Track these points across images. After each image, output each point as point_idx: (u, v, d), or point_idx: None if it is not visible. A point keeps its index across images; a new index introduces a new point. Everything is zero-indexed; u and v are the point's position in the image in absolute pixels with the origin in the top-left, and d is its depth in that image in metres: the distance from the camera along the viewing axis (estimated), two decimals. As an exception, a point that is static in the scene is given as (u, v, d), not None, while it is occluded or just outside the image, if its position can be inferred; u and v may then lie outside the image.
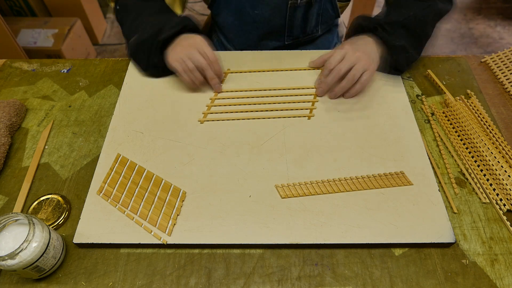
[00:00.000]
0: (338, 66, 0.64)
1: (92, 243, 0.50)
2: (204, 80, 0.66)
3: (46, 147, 0.62)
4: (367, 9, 1.78)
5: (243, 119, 0.64)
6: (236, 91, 0.68)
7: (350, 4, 1.74)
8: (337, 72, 0.63)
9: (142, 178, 0.56)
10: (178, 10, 0.77)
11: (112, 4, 0.75)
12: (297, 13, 0.77)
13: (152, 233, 0.50)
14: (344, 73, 0.63)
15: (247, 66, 0.72)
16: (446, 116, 0.66)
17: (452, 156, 0.61)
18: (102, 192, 0.55)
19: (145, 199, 0.54)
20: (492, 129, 0.62)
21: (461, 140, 0.62)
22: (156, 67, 0.68)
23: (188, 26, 0.67)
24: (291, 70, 0.71)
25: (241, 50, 0.77)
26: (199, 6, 2.23)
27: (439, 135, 0.63)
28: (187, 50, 0.63)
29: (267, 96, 0.67)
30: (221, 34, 0.88)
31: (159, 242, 0.50)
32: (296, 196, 0.54)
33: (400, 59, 0.67)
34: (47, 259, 0.46)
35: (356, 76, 0.63)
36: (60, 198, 0.55)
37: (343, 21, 0.90)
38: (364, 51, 0.65)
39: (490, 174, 0.57)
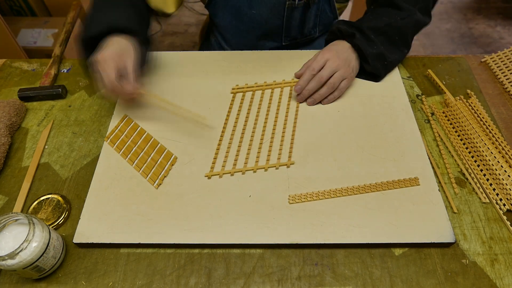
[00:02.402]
0: (320, 73, 0.64)
1: (92, 243, 0.50)
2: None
3: (46, 147, 0.62)
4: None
5: (243, 120, 0.64)
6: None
7: (350, 4, 1.75)
8: (318, 79, 0.64)
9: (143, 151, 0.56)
10: (172, 8, 0.73)
11: None
12: (294, 14, 0.77)
13: (147, 179, 0.56)
14: (325, 80, 0.64)
15: (246, 66, 0.72)
16: (446, 116, 0.66)
17: (452, 156, 0.61)
18: (109, 139, 0.60)
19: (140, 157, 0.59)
20: (492, 129, 0.62)
21: (461, 140, 0.62)
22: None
23: (118, 28, 0.59)
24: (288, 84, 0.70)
25: (239, 50, 0.77)
26: (199, 6, 2.23)
27: (439, 135, 0.63)
28: (98, 65, 0.56)
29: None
30: (218, 34, 0.88)
31: (154, 186, 0.54)
32: (298, 202, 0.54)
33: (378, 66, 0.67)
34: (47, 259, 0.46)
35: (336, 84, 0.64)
36: (60, 198, 0.55)
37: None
38: (344, 59, 0.65)
39: (490, 174, 0.57)
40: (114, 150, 0.60)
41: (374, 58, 0.66)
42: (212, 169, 0.57)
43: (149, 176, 0.56)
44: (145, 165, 0.58)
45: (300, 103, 0.66)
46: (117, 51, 0.57)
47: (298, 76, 0.70)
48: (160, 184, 0.56)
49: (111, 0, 0.64)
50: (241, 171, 0.57)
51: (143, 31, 0.65)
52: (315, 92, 0.65)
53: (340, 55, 0.65)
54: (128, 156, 0.59)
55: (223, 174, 0.56)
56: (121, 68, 0.57)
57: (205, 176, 0.56)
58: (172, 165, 0.58)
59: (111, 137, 0.61)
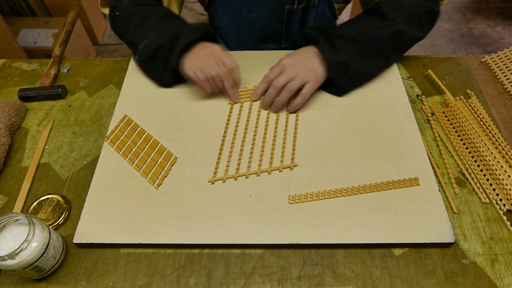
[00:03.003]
0: (276, 80, 0.62)
1: (92, 243, 0.50)
2: (221, 89, 0.65)
3: (46, 147, 0.62)
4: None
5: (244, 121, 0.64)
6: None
7: (350, 5, 1.75)
8: (274, 86, 0.62)
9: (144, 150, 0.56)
10: (175, 10, 0.76)
11: (106, 11, 0.72)
12: (294, 17, 0.77)
13: (147, 179, 0.56)
14: (281, 86, 0.62)
15: (246, 66, 0.72)
16: (446, 116, 0.66)
17: (452, 156, 0.61)
18: (109, 139, 0.60)
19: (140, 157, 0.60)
20: (492, 129, 0.62)
21: (461, 140, 0.62)
22: (172, 72, 0.64)
23: (207, 33, 0.65)
24: None
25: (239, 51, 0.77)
26: (199, 6, 2.23)
27: (439, 135, 0.63)
28: (205, 60, 0.62)
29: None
30: (218, 36, 0.88)
31: (154, 187, 0.55)
32: (298, 202, 0.54)
33: (340, 76, 0.63)
34: (47, 259, 0.46)
35: (293, 87, 0.61)
36: (60, 198, 0.55)
37: (344, 20, 0.90)
38: (303, 64, 0.62)
39: (490, 174, 0.57)
40: (114, 150, 0.60)
41: (335, 66, 0.62)
42: (215, 174, 0.57)
43: (149, 176, 0.56)
44: (145, 165, 0.58)
45: (264, 110, 0.65)
46: (219, 49, 0.64)
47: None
48: (160, 184, 0.56)
49: (163, 12, 0.68)
50: (245, 175, 0.56)
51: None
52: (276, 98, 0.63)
53: (300, 59, 0.63)
54: (128, 156, 0.59)
55: (227, 179, 0.56)
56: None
57: (209, 182, 0.56)
58: (172, 165, 0.58)
59: (111, 137, 0.61)
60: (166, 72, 0.65)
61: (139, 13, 0.67)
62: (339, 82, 0.64)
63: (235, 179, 0.56)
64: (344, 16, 1.85)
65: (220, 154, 0.59)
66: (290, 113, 0.64)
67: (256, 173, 0.57)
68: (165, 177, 0.56)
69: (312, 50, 0.64)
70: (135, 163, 0.58)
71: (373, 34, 0.64)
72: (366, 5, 0.78)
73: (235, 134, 0.62)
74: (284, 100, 0.63)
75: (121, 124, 0.63)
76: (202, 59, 0.62)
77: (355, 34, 0.63)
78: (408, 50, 0.70)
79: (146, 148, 0.60)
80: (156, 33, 0.64)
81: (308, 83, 0.62)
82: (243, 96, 0.67)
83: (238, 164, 0.58)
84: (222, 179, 0.56)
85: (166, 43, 0.63)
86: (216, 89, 0.64)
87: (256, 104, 0.66)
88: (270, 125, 0.63)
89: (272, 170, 0.57)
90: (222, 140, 0.61)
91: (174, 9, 0.76)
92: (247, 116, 0.65)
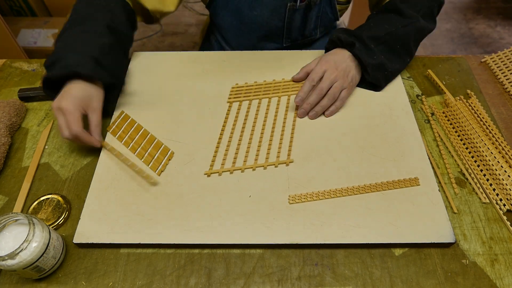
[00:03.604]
0: (319, 85, 0.63)
1: (92, 243, 0.50)
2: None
3: (46, 147, 0.62)
4: (367, 11, 1.78)
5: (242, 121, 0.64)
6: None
7: (350, 5, 1.74)
8: (319, 91, 0.63)
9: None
10: (171, 6, 0.72)
11: None
12: (296, 15, 0.77)
13: (150, 165, 0.57)
14: (325, 92, 0.63)
15: (247, 66, 0.72)
16: (446, 116, 0.66)
17: (452, 156, 0.61)
18: (112, 129, 0.62)
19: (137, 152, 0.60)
20: (492, 129, 0.62)
21: (461, 140, 0.62)
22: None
23: (79, 74, 0.56)
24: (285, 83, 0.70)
25: (239, 51, 0.77)
26: (199, 6, 2.23)
27: (439, 135, 0.63)
28: (57, 113, 0.55)
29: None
30: (219, 35, 0.88)
31: (152, 181, 0.55)
32: (298, 202, 0.54)
33: (378, 77, 0.65)
34: (47, 259, 0.46)
35: (336, 94, 0.63)
36: (60, 198, 0.55)
37: (343, 21, 0.90)
38: (342, 69, 0.64)
39: (490, 174, 0.57)
40: (113, 146, 0.60)
41: (374, 68, 0.64)
42: (212, 167, 0.57)
43: (151, 163, 0.57)
44: (147, 153, 0.59)
45: (301, 118, 0.64)
46: (82, 100, 0.55)
47: (296, 80, 0.69)
48: (162, 170, 0.57)
49: (88, 26, 0.60)
50: (240, 169, 0.57)
51: (114, 73, 0.61)
52: (316, 104, 0.64)
53: (338, 65, 0.64)
54: (131, 145, 0.60)
55: (223, 172, 0.57)
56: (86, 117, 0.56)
57: (205, 174, 0.56)
58: (169, 160, 0.58)
59: (113, 127, 0.62)
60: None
61: (75, 16, 0.61)
62: (377, 82, 0.66)
63: (231, 173, 0.57)
64: (344, 17, 1.84)
65: (217, 148, 0.60)
66: (327, 117, 0.64)
67: (252, 168, 0.57)
68: (162, 171, 0.57)
69: (347, 54, 0.66)
70: (137, 151, 0.59)
71: (400, 33, 0.66)
72: (376, 6, 0.78)
73: (233, 130, 0.62)
74: (326, 106, 0.63)
75: (118, 120, 0.63)
76: (56, 110, 0.55)
77: (383, 35, 0.65)
78: None
79: (143, 143, 0.60)
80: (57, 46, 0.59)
81: (346, 89, 0.64)
82: (242, 93, 0.67)
83: (235, 159, 0.58)
84: (218, 172, 0.56)
85: (48, 61, 0.57)
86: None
87: (255, 103, 0.66)
88: (268, 123, 0.63)
89: (268, 165, 0.57)
90: (220, 135, 0.61)
91: (169, 4, 0.71)
92: (245, 115, 0.65)
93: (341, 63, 0.65)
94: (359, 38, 0.65)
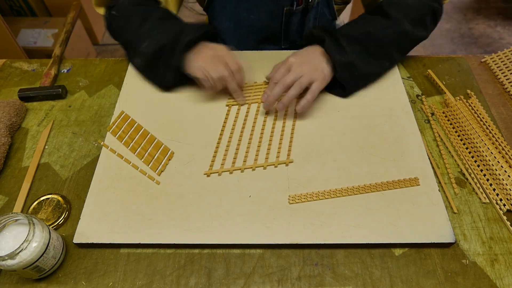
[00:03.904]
0: (284, 78, 0.61)
1: (92, 243, 0.50)
2: (225, 89, 0.64)
3: (46, 147, 0.62)
4: (367, 10, 1.78)
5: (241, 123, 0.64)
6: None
7: (350, 5, 1.75)
8: (282, 83, 0.60)
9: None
10: (173, 10, 0.74)
11: (101, 11, 0.70)
12: (293, 18, 0.76)
13: (147, 175, 0.56)
14: (289, 85, 0.61)
15: (246, 67, 0.72)
16: (446, 116, 0.66)
17: (452, 156, 0.61)
18: (112, 129, 0.62)
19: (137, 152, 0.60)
20: (492, 129, 0.62)
21: (461, 140, 0.62)
22: (175, 73, 0.63)
23: (209, 32, 0.65)
24: None
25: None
26: (199, 6, 2.23)
27: (439, 135, 0.63)
28: (210, 60, 0.62)
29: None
30: (218, 38, 0.88)
31: (154, 182, 0.55)
32: (298, 202, 0.54)
33: (345, 76, 0.63)
34: (47, 259, 0.46)
35: (303, 84, 0.60)
36: (60, 198, 0.55)
37: (343, 21, 0.90)
38: (310, 63, 0.62)
39: (490, 174, 0.57)
40: (114, 149, 0.60)
41: (342, 66, 0.62)
42: (211, 167, 0.57)
43: (151, 163, 0.57)
44: (147, 152, 0.59)
45: (267, 110, 0.64)
46: (224, 49, 0.64)
47: (269, 78, 0.67)
48: (162, 170, 0.57)
49: (163, 12, 0.67)
50: (240, 169, 0.57)
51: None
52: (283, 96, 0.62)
53: (306, 58, 0.63)
54: (131, 145, 0.60)
55: (222, 172, 0.57)
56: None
57: (204, 174, 0.56)
58: (169, 160, 0.58)
59: (113, 127, 0.62)
60: (169, 72, 0.64)
61: (138, 13, 0.66)
62: (345, 82, 0.64)
63: (231, 173, 0.57)
64: (344, 17, 1.85)
65: (217, 148, 0.60)
66: (299, 112, 0.63)
67: (251, 168, 0.57)
68: (162, 171, 0.57)
69: (318, 50, 0.64)
70: (137, 151, 0.59)
71: (378, 34, 0.64)
72: (368, 6, 0.78)
73: (232, 132, 0.62)
74: (294, 96, 0.61)
75: (118, 120, 0.63)
76: (206, 59, 0.62)
77: (360, 34, 0.63)
78: (411, 50, 0.70)
79: (143, 143, 0.60)
80: (158, 33, 0.63)
81: (316, 81, 0.61)
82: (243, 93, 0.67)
83: (235, 159, 0.58)
84: (218, 172, 0.56)
85: (168, 43, 0.62)
86: (216, 89, 0.64)
87: (255, 105, 0.66)
88: (267, 124, 0.63)
89: (267, 165, 0.57)
90: (219, 137, 0.61)
91: (172, 9, 0.74)
92: (245, 115, 0.65)
93: (310, 57, 0.63)
94: (331, 35, 0.63)
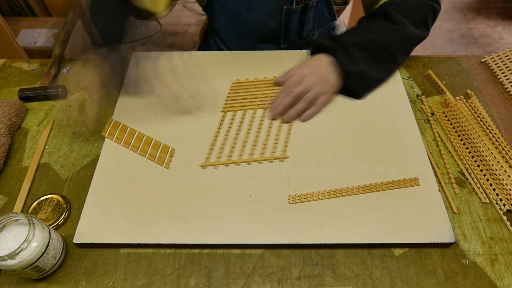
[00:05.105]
0: (295, 89, 0.62)
1: (92, 243, 0.50)
2: None
3: (46, 147, 0.62)
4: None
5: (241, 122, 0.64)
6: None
7: (350, 5, 1.74)
8: (293, 94, 0.62)
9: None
10: (161, 7, 0.70)
11: None
12: (292, 18, 0.76)
13: (155, 161, 0.58)
14: (300, 96, 0.62)
15: (246, 66, 0.72)
16: (446, 116, 0.66)
17: (452, 156, 0.61)
18: (108, 132, 0.62)
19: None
20: (492, 129, 0.62)
21: (461, 140, 0.62)
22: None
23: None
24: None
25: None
26: (199, 7, 2.23)
27: (439, 135, 0.63)
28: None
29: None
30: (217, 37, 0.88)
31: (162, 167, 0.57)
32: (298, 202, 0.54)
33: (358, 84, 0.64)
34: (47, 259, 0.46)
35: (310, 98, 0.62)
36: (60, 198, 0.55)
37: (343, 21, 0.90)
38: (322, 74, 0.63)
39: (490, 174, 0.57)
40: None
41: (354, 75, 0.63)
42: (208, 159, 0.58)
43: (156, 158, 0.58)
44: (147, 154, 0.59)
45: (272, 119, 0.64)
46: None
47: (278, 83, 0.68)
48: (167, 168, 0.57)
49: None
50: (236, 162, 0.57)
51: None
52: (291, 108, 0.63)
53: (318, 70, 0.63)
54: (131, 144, 0.60)
55: (218, 164, 0.57)
56: None
57: (200, 166, 0.57)
58: (172, 156, 0.59)
59: (108, 129, 0.62)
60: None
61: None
62: (357, 90, 0.65)
63: (226, 166, 0.57)
64: (344, 17, 1.85)
65: (214, 141, 0.61)
66: (302, 121, 0.63)
67: (247, 162, 0.58)
68: (169, 162, 0.58)
69: (327, 60, 0.65)
70: (139, 149, 0.59)
71: (386, 40, 0.64)
72: (369, 8, 0.78)
73: (230, 127, 0.63)
74: (301, 110, 0.63)
75: (109, 128, 0.62)
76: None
77: (368, 42, 0.64)
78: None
79: (141, 146, 0.60)
80: None
81: (325, 94, 0.63)
82: (240, 96, 0.67)
83: (231, 152, 0.59)
84: (214, 164, 0.57)
85: None
86: None
87: (254, 105, 0.66)
88: (265, 121, 0.64)
89: (263, 160, 0.58)
90: (216, 135, 0.62)
91: (160, 5, 0.70)
92: (242, 114, 0.65)
93: (321, 68, 0.64)
94: (342, 44, 0.64)
